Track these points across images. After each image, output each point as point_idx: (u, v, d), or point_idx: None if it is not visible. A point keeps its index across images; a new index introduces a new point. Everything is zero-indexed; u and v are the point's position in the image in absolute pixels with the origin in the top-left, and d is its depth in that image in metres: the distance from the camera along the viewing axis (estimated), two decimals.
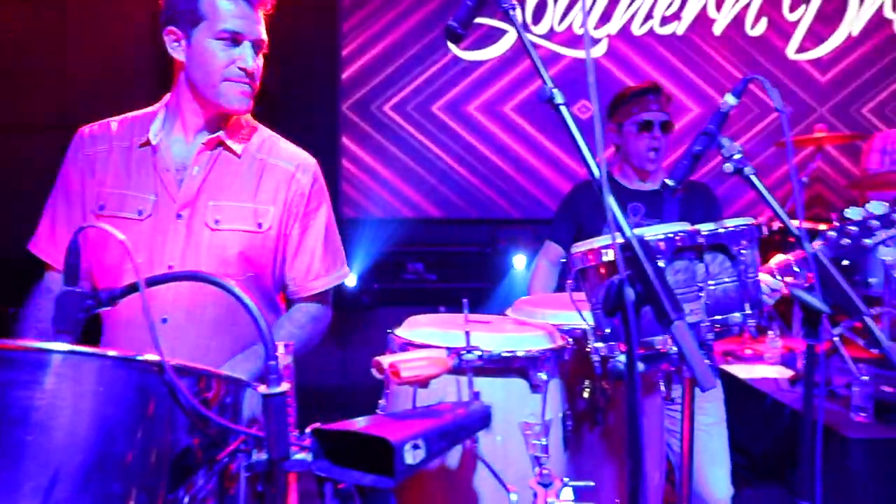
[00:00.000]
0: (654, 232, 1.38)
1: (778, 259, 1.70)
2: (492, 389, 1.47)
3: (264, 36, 1.64)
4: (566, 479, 1.40)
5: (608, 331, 1.40)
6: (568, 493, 1.35)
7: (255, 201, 1.68)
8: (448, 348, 1.43)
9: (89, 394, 0.98)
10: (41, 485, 0.94)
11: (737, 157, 1.49)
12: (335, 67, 5.30)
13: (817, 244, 1.58)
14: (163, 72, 1.76)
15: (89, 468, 0.96)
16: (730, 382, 3.53)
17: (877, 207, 1.56)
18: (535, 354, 1.50)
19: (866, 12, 5.49)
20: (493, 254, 5.14)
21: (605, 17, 5.37)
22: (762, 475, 3.11)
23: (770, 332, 3.82)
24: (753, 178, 1.48)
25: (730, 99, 1.50)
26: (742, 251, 1.47)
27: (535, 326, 1.65)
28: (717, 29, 5.44)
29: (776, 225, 3.41)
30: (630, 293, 1.05)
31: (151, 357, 1.01)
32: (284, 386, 1.04)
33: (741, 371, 3.61)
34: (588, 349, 1.47)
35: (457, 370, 1.42)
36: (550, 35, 5.33)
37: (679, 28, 5.43)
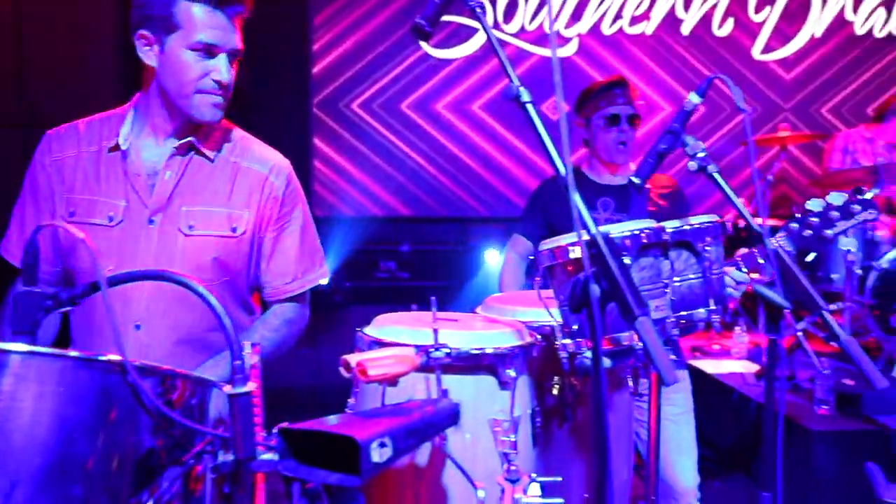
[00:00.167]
0: (620, 229, 1.40)
1: (743, 250, 1.72)
2: (460, 387, 1.47)
3: (240, 45, 1.61)
4: (534, 475, 1.41)
5: (575, 327, 1.42)
6: (535, 489, 1.36)
7: (230, 206, 1.66)
8: (416, 346, 1.43)
9: (49, 395, 0.97)
10: (0, 488, 0.92)
11: (700, 155, 1.51)
12: (307, 63, 5.26)
13: (780, 236, 1.61)
14: (129, 66, 1.71)
15: (49, 471, 0.95)
16: (698, 377, 3.59)
17: (836, 199, 1.59)
18: (503, 351, 1.51)
19: (828, 15, 5.62)
20: (464, 252, 5.16)
21: (576, 16, 5.42)
22: (729, 468, 3.17)
23: (737, 328, 3.89)
24: (717, 175, 1.50)
25: (694, 98, 1.52)
26: (706, 248, 1.49)
27: (504, 324, 1.66)
28: (686, 29, 5.52)
29: (742, 223, 3.47)
30: (595, 290, 1.06)
31: (114, 357, 1.00)
32: (250, 386, 1.03)
33: (709, 366, 3.67)
34: (557, 346, 1.48)
35: (425, 368, 1.42)
36: (521, 33, 5.35)
37: (648, 28, 5.49)
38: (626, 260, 1.35)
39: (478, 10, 1.29)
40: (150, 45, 1.58)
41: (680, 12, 5.51)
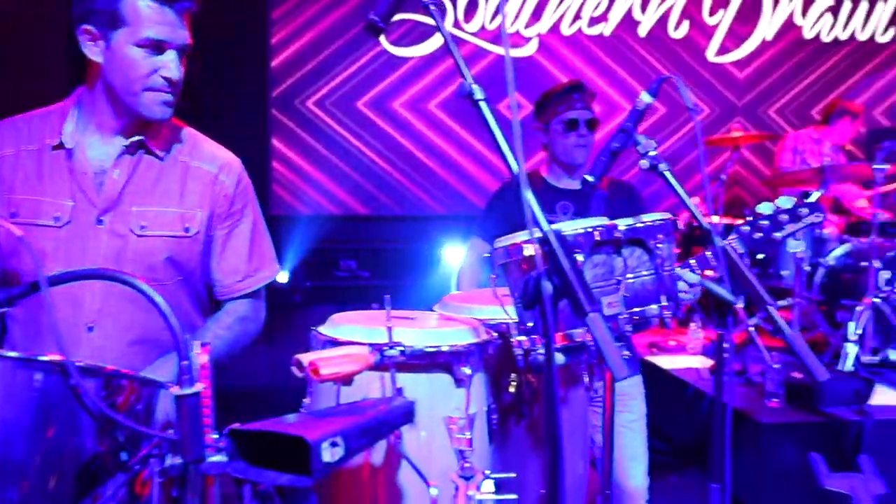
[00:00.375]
0: (574, 226, 1.41)
1: (698, 253, 1.76)
2: (415, 385, 1.47)
3: (190, 40, 1.56)
4: (488, 472, 1.41)
5: (530, 324, 1.42)
6: (489, 486, 1.36)
7: (182, 206, 1.63)
8: (371, 345, 1.42)
9: None
10: None
11: (652, 153, 1.54)
12: (264, 58, 5.19)
13: (732, 238, 1.65)
14: (72, 54, 1.64)
15: None
16: (654, 373, 3.65)
17: (785, 202, 1.63)
18: (458, 349, 1.50)
19: (778, 18, 5.77)
20: (421, 250, 5.15)
21: (536, 16, 5.46)
22: (685, 462, 3.22)
23: (692, 324, 3.96)
24: (667, 174, 1.53)
25: (645, 97, 1.55)
26: (659, 245, 1.51)
27: (460, 321, 1.66)
28: (643, 31, 5.60)
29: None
30: (547, 287, 1.07)
31: (55, 358, 0.97)
32: (199, 386, 1.01)
33: (665, 362, 3.73)
34: (512, 343, 1.48)
35: (379, 366, 1.41)
36: (481, 32, 5.37)
37: (606, 29, 5.56)
38: (580, 257, 1.37)
39: (432, 7, 1.28)
40: (94, 41, 1.53)
41: (637, 14, 5.59)
